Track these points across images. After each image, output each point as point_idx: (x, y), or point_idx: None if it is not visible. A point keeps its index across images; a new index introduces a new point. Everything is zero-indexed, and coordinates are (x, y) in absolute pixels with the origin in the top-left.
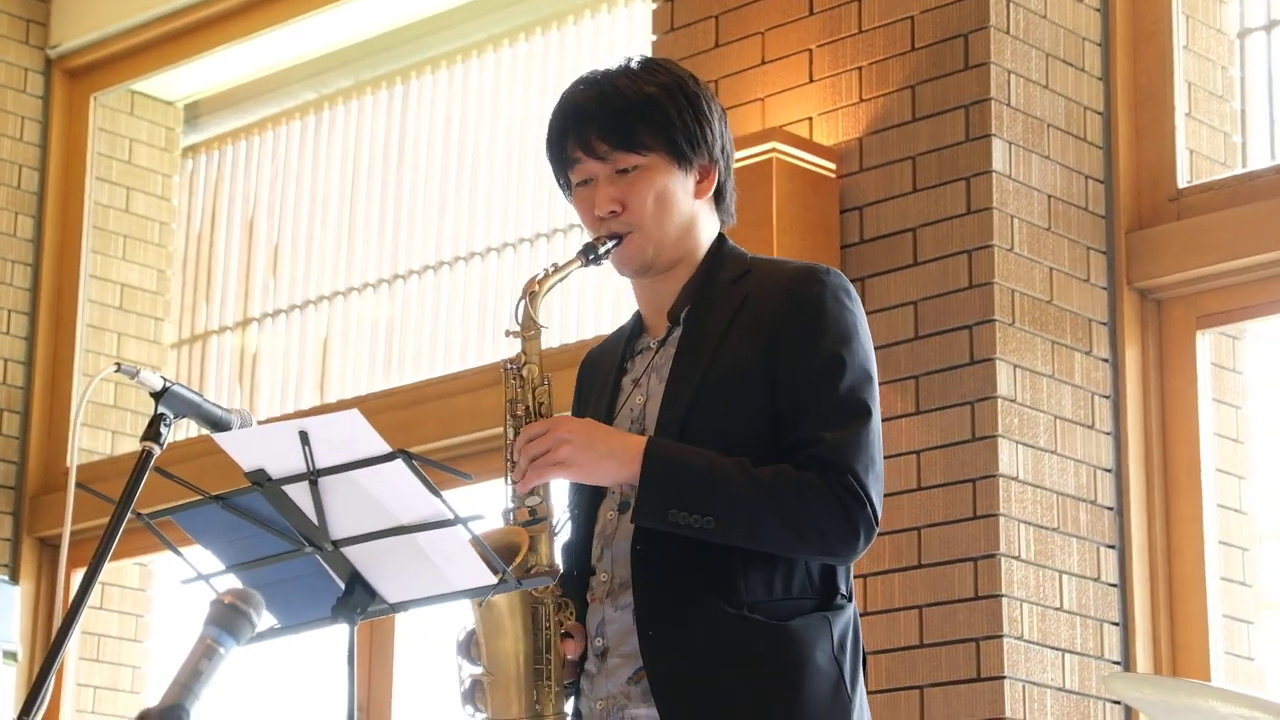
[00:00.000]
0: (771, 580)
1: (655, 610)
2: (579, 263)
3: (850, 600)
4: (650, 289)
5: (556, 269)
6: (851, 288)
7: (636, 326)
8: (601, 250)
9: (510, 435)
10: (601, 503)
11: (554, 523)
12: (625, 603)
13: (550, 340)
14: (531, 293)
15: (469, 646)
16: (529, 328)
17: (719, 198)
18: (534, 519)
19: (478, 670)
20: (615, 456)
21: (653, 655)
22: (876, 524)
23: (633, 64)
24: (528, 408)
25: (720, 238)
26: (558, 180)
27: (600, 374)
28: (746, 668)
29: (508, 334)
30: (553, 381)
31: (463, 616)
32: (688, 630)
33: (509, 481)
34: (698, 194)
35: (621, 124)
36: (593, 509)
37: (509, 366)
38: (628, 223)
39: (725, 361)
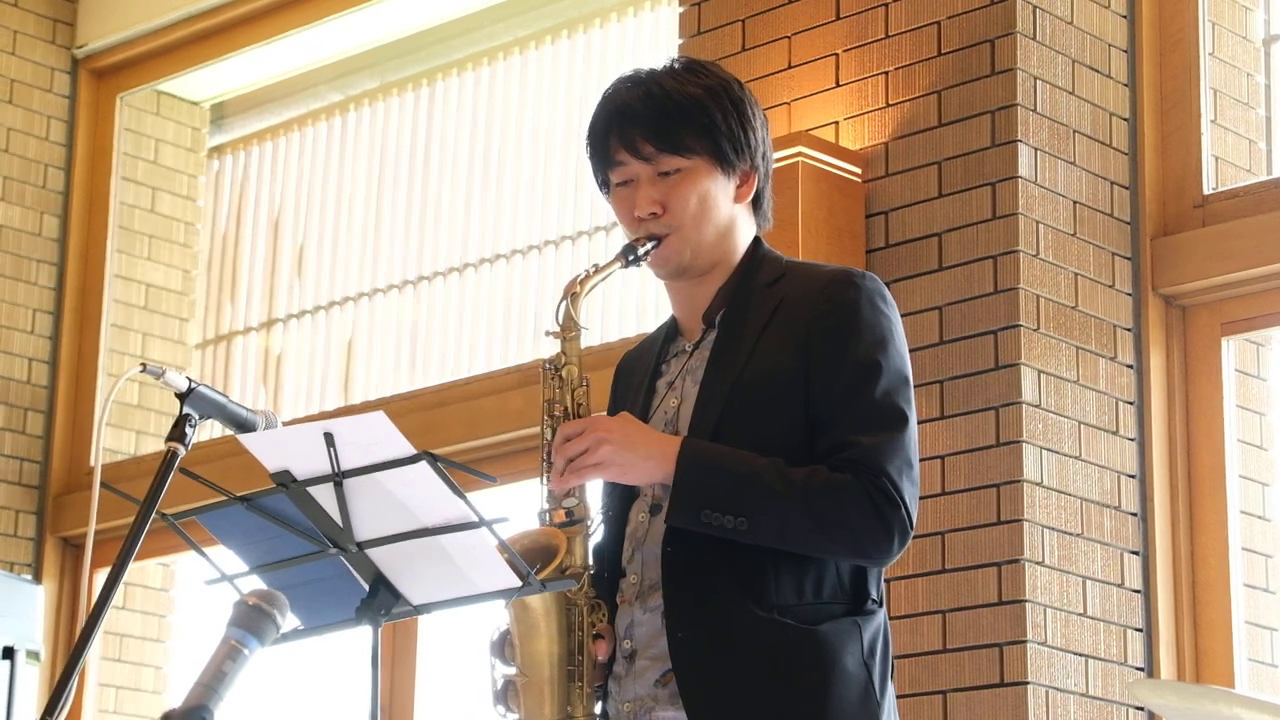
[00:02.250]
0: (802, 584)
1: (684, 613)
2: (619, 264)
3: (881, 606)
4: (686, 292)
5: (597, 270)
6: (887, 292)
7: (672, 329)
8: (641, 251)
9: (548, 435)
10: (633, 504)
11: (590, 524)
12: (654, 605)
13: (586, 340)
14: (573, 294)
15: (503, 647)
16: (569, 329)
17: (757, 202)
18: (571, 520)
19: (511, 671)
20: (652, 456)
21: (681, 658)
22: (911, 527)
23: (677, 65)
24: (566, 408)
25: (756, 241)
26: (596, 178)
27: (635, 377)
28: (775, 671)
29: (548, 334)
30: (591, 383)
31: (493, 617)
32: (717, 633)
33: (545, 482)
34: (737, 199)
35: (667, 126)
36: (624, 510)
37: (548, 366)
38: (668, 225)
39: (759, 365)
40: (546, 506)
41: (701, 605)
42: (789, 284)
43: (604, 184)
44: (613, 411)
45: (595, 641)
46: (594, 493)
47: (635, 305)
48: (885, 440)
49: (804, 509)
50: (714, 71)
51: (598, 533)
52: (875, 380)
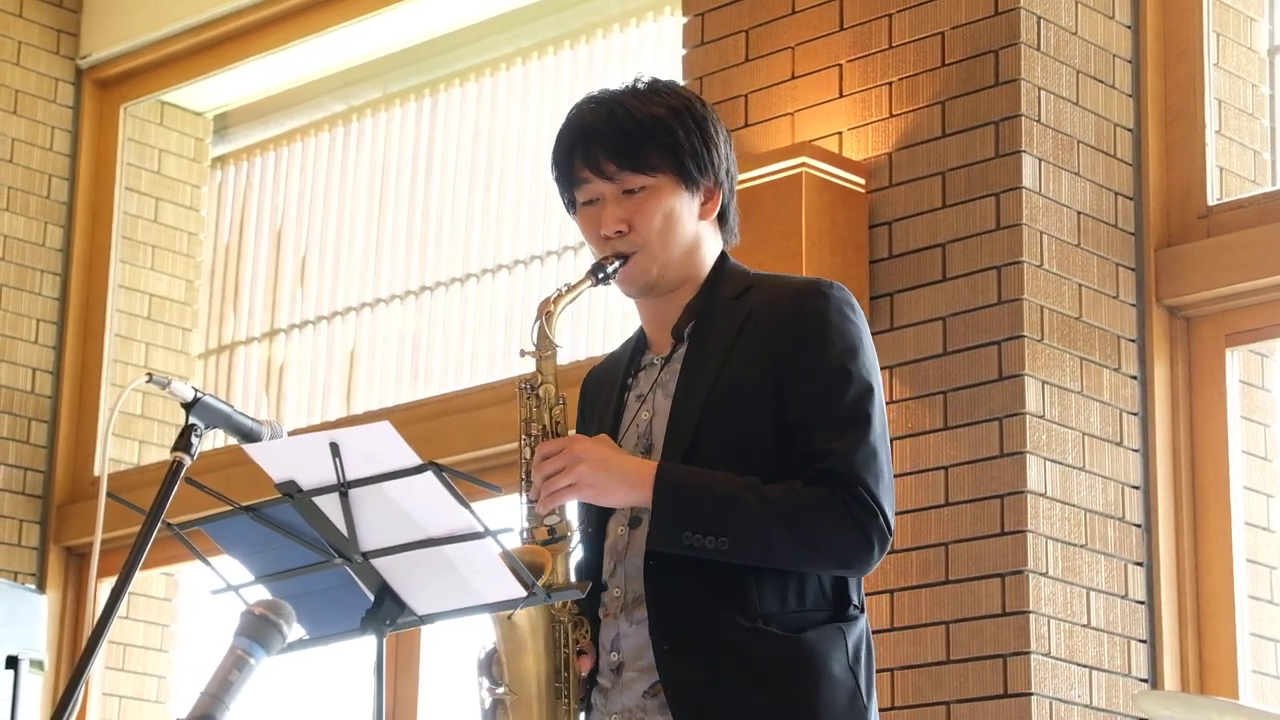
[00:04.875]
0: (785, 592)
1: (670, 624)
2: (589, 282)
3: (863, 611)
4: (654, 307)
5: (569, 288)
6: (855, 300)
7: (640, 343)
8: (610, 269)
9: (526, 454)
10: (611, 518)
11: (571, 540)
12: (640, 617)
13: (560, 358)
14: (547, 313)
15: (490, 665)
16: (545, 348)
17: (722, 219)
18: (553, 538)
19: (499, 690)
20: (628, 479)
21: (669, 669)
22: (890, 534)
23: (639, 85)
24: (544, 427)
25: (723, 256)
26: (562, 198)
27: (603, 392)
28: (763, 679)
29: (523, 354)
30: (568, 400)
31: (484, 634)
32: (703, 643)
33: (525, 500)
34: (702, 215)
35: (630, 145)
36: (601, 524)
37: (524, 386)
38: (634, 243)
39: (731, 375)
40: (527, 525)
41: (686, 617)
42: (757, 296)
43: (570, 204)
44: (580, 428)
45: (579, 657)
46: (573, 508)
47: (618, 321)
48: (858, 447)
49: (785, 525)
50: (676, 91)
51: (578, 549)
52: (846, 388)
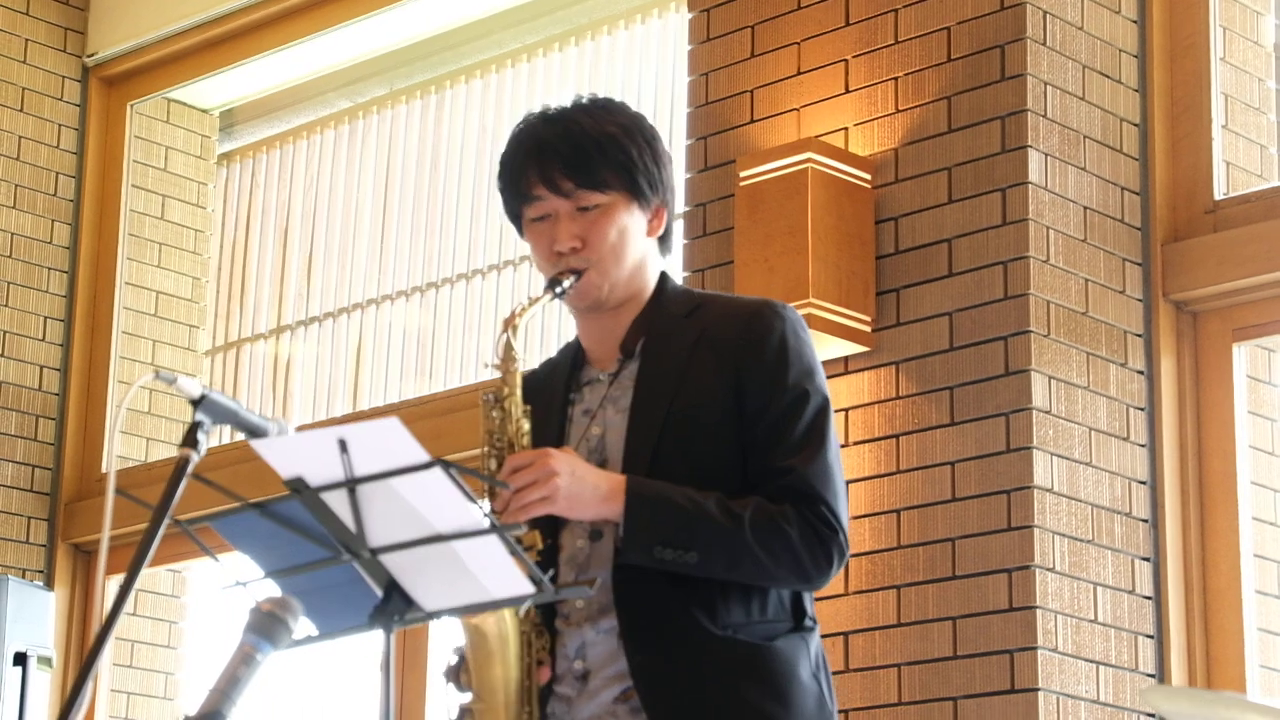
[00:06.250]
0: (749, 603)
1: (642, 635)
2: (548, 295)
3: (816, 623)
4: (597, 323)
5: (532, 302)
6: (803, 320)
7: (577, 358)
8: (566, 284)
9: (492, 465)
10: (565, 530)
11: (539, 550)
12: (607, 626)
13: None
14: (514, 326)
15: (458, 674)
16: (510, 360)
17: (664, 237)
18: (521, 548)
19: (467, 698)
20: (599, 493)
21: (643, 679)
22: (847, 549)
23: (588, 102)
24: (510, 439)
25: (663, 274)
26: (506, 211)
27: (538, 407)
28: (738, 686)
29: (487, 366)
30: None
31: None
32: (677, 650)
33: (490, 512)
34: (649, 233)
35: (587, 162)
36: (553, 536)
37: (488, 397)
38: (586, 259)
39: (691, 393)
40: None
41: (657, 624)
42: (707, 315)
43: (515, 217)
44: None
45: (539, 667)
46: None
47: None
48: (817, 464)
49: (751, 540)
50: (625, 109)
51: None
52: (805, 407)
